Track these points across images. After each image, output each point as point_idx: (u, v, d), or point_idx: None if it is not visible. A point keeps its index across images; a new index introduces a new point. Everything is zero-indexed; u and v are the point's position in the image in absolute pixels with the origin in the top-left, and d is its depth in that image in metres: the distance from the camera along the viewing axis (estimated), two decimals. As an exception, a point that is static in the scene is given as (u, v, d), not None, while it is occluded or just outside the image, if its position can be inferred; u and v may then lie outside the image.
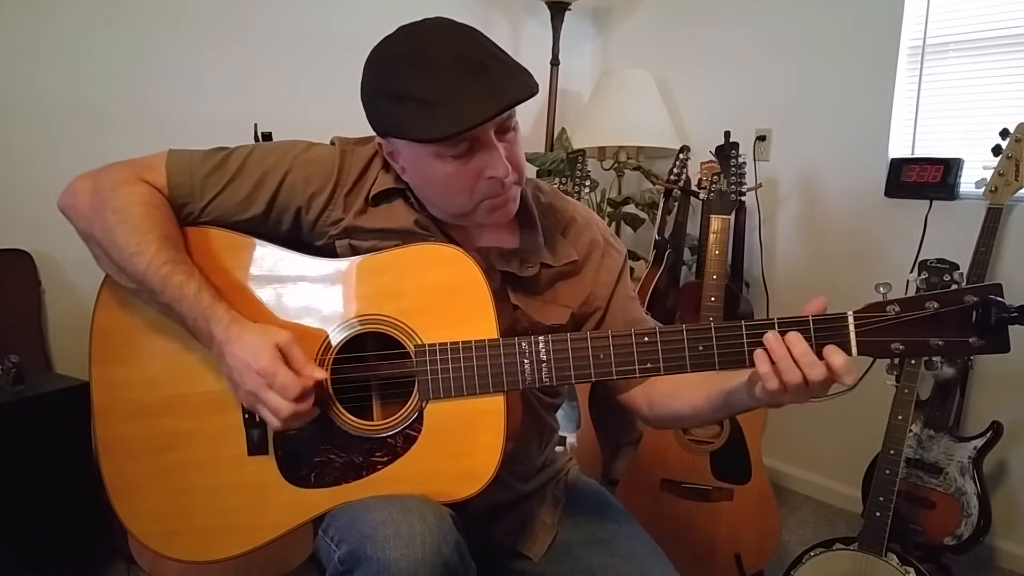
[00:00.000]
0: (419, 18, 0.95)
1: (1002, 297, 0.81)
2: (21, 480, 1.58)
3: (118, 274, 0.96)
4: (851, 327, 0.85)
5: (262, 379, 0.87)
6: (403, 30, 0.94)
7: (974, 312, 0.82)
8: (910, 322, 0.84)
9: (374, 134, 1.01)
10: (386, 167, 1.02)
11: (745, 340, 0.87)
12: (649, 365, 0.90)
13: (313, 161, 1.02)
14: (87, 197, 0.97)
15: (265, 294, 0.98)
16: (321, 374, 0.91)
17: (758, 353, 0.85)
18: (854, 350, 0.85)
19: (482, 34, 0.93)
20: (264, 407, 0.89)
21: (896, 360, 0.87)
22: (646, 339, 0.90)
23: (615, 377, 0.92)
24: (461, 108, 0.86)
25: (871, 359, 0.88)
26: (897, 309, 0.84)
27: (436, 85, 0.87)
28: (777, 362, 0.84)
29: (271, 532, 0.95)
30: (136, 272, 0.93)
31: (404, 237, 1.00)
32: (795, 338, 0.84)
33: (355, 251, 1.00)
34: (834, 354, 0.84)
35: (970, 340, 0.82)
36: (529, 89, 0.90)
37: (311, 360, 0.92)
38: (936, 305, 0.83)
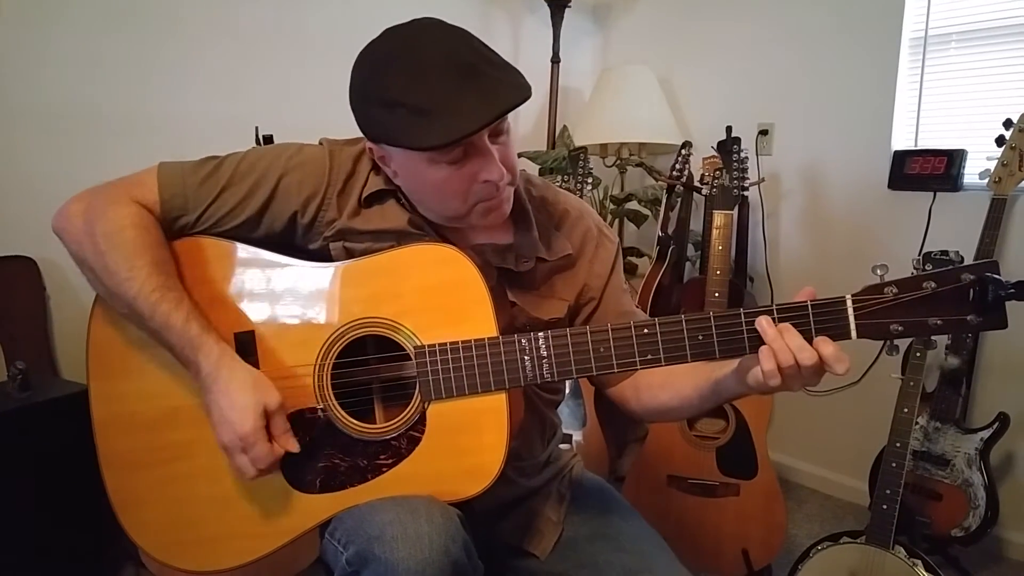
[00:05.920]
0: (419, 17, 0.93)
1: (999, 274, 0.80)
2: (28, 485, 1.59)
3: (110, 298, 0.95)
4: (850, 310, 0.84)
5: (240, 443, 0.89)
6: (390, 32, 0.92)
7: (971, 290, 0.81)
8: (908, 303, 0.83)
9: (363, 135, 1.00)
10: (375, 168, 1.02)
11: (744, 328, 0.86)
12: (650, 356, 0.90)
13: (306, 164, 1.01)
14: (79, 221, 0.95)
15: (262, 302, 0.98)
16: (294, 447, 0.92)
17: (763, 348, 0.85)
18: (853, 333, 0.84)
19: (471, 35, 0.91)
20: (233, 463, 0.91)
21: (895, 342, 0.86)
22: (646, 331, 0.89)
23: (616, 370, 0.91)
24: (456, 116, 0.85)
25: (876, 351, 0.88)
26: (895, 290, 0.83)
27: (428, 92, 0.86)
28: (771, 344, 0.84)
29: (279, 539, 0.95)
30: (126, 298, 0.92)
31: (399, 238, 1.00)
32: (787, 327, 0.84)
33: (349, 253, 1.00)
34: (824, 344, 0.83)
35: (968, 318, 0.82)
36: (523, 92, 0.88)
37: (289, 430, 0.92)
38: (934, 285, 0.82)
